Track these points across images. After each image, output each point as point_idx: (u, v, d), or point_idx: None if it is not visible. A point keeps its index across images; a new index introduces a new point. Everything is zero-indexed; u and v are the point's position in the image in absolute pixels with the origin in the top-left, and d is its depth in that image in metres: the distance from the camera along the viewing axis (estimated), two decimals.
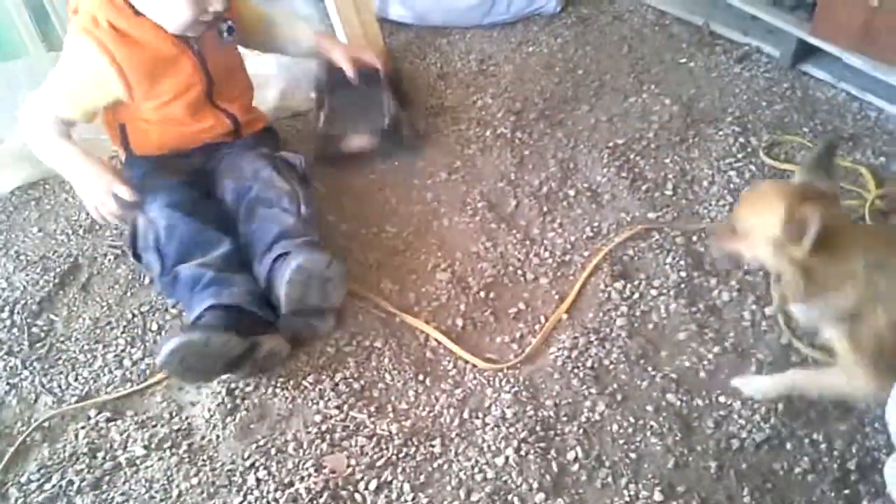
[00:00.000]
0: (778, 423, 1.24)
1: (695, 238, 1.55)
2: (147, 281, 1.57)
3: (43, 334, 1.51)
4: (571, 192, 1.69)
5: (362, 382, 1.36)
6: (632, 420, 1.27)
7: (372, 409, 1.32)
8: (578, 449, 1.23)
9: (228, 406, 1.34)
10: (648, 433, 1.25)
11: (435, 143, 1.84)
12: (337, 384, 1.36)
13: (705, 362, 1.34)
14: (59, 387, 1.41)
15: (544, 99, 1.94)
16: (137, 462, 1.29)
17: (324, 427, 1.29)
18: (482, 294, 1.49)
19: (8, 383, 1.43)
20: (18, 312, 1.54)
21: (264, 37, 1.69)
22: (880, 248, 1.10)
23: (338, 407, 1.32)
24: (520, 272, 1.53)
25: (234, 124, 1.59)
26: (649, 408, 1.28)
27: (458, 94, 1.99)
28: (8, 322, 1.53)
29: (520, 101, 1.94)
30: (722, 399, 1.28)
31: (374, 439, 1.27)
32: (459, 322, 1.44)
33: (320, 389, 1.35)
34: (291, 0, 2.20)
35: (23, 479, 1.28)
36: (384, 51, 2.01)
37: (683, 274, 1.48)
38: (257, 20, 1.65)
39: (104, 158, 1.49)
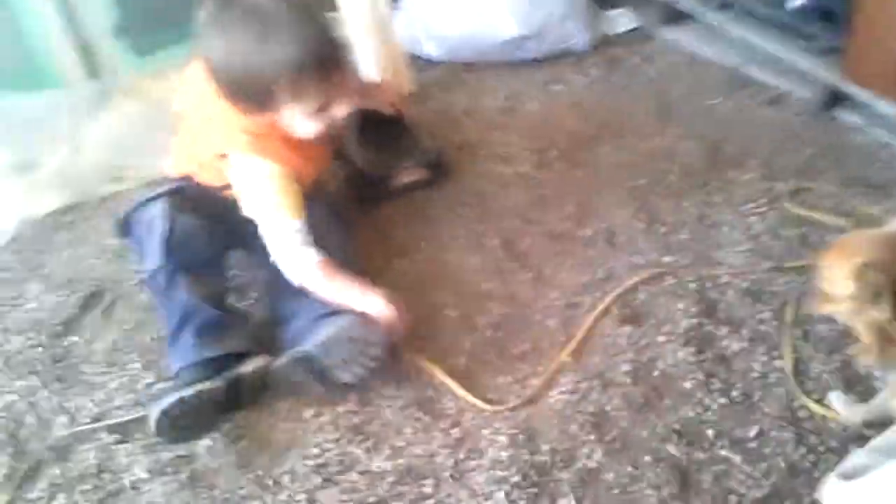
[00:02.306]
0: (779, 480, 1.20)
1: (709, 284, 1.53)
2: None
3: (64, 355, 1.56)
4: (588, 233, 1.68)
5: (361, 417, 1.37)
6: (629, 469, 1.25)
7: (369, 444, 1.32)
8: (571, 497, 1.22)
9: (231, 436, 1.36)
10: (644, 484, 1.22)
11: (454, 178, 1.86)
12: (337, 418, 1.37)
13: (710, 413, 1.31)
14: (75, 407, 1.46)
15: (567, 138, 1.95)
16: (140, 486, 1.32)
17: (320, 460, 1.31)
18: (489, 333, 1.49)
19: (28, 402, 1.48)
20: (43, 332, 1.60)
21: None
22: None
23: (335, 441, 1.33)
24: (528, 312, 1.53)
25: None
26: (648, 458, 1.26)
27: (482, 131, 2.01)
28: (34, 341, 1.59)
29: (543, 139, 1.95)
30: (723, 452, 1.25)
31: (368, 476, 1.28)
32: (464, 360, 1.45)
33: (320, 423, 1.36)
34: None
35: (32, 496, 1.32)
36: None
37: (694, 321, 1.46)
38: None
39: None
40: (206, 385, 1.31)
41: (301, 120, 1.39)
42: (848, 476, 0.85)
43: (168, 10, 1.53)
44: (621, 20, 2.34)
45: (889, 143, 1.80)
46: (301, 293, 1.43)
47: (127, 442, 1.39)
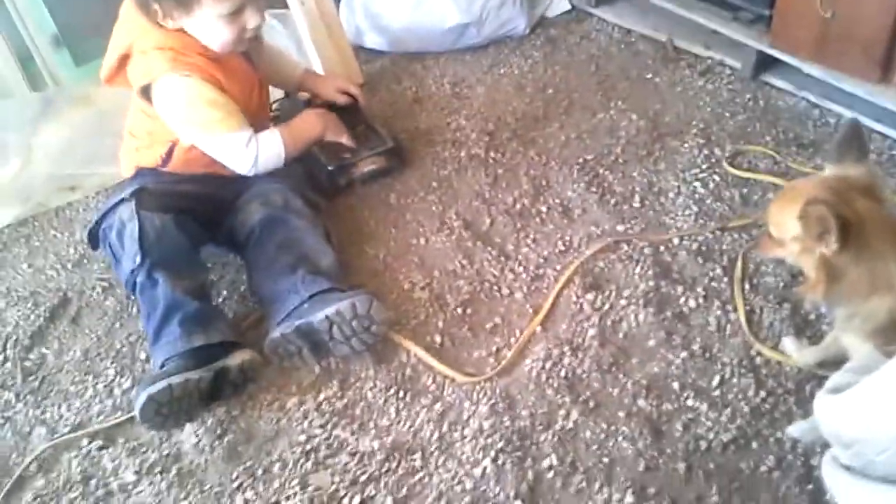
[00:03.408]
0: (744, 423, 1.29)
1: (662, 248, 1.61)
2: (135, 311, 1.62)
3: (35, 368, 1.55)
4: (544, 208, 1.74)
5: (345, 401, 1.40)
6: (604, 426, 1.32)
7: (354, 426, 1.36)
8: (553, 456, 1.28)
9: (216, 430, 1.38)
10: (620, 438, 1.29)
11: (411, 164, 1.90)
12: (320, 404, 1.40)
13: (674, 367, 1.39)
14: (53, 418, 1.46)
15: (516, 119, 2.01)
16: (129, 488, 1.33)
17: (308, 447, 1.34)
18: (459, 310, 1.54)
19: (3, 416, 1.47)
20: (11, 347, 1.59)
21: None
22: None
23: (321, 426, 1.37)
24: (495, 288, 1.58)
25: None
26: (621, 414, 1.33)
27: (434, 117, 2.05)
28: (1, 357, 1.58)
29: (492, 121, 2.01)
30: (690, 402, 1.33)
31: (357, 456, 1.32)
32: (438, 338, 1.49)
33: (304, 410, 1.40)
34: (268, 32, 2.26)
35: None
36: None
37: (652, 283, 1.53)
38: None
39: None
40: (194, 374, 1.33)
41: (215, 24, 1.45)
42: (834, 391, 0.93)
43: (104, 19, 1.55)
44: (556, 2, 2.41)
45: (817, 104, 1.91)
46: (289, 271, 1.47)
47: (110, 447, 1.39)
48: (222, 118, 1.51)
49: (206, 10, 1.43)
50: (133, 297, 1.56)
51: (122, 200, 1.50)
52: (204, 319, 1.42)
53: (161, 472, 1.34)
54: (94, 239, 1.59)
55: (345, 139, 1.75)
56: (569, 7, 2.40)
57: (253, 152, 1.55)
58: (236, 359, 1.39)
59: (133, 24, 1.50)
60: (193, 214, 1.54)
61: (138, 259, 1.44)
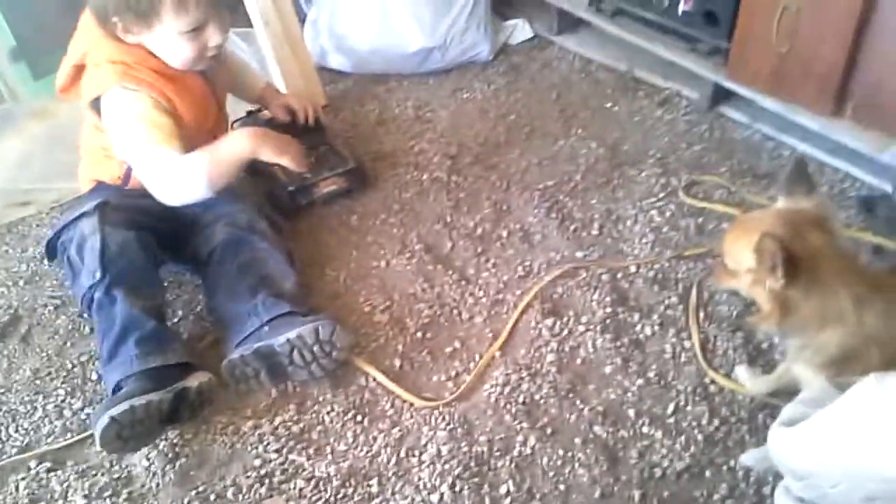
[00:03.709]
0: (698, 451, 1.31)
1: (619, 275, 1.63)
2: (87, 330, 1.59)
3: None
4: (504, 233, 1.76)
5: (301, 425, 1.39)
6: (561, 453, 1.32)
7: (311, 451, 1.35)
8: (510, 483, 1.28)
9: (168, 454, 1.36)
10: (577, 465, 1.30)
11: (373, 186, 1.90)
12: (276, 428, 1.39)
13: (630, 394, 1.41)
14: (0, 439, 1.42)
15: (478, 143, 2.03)
16: None
17: (263, 471, 1.32)
18: (419, 334, 1.54)
19: None
20: None
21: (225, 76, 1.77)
22: (869, 279, 1.07)
23: (277, 451, 1.35)
24: (455, 312, 1.59)
25: None
26: (577, 440, 1.34)
27: (396, 140, 2.06)
28: None
29: (455, 145, 2.02)
30: (645, 430, 1.35)
31: (313, 482, 1.30)
32: (397, 362, 1.49)
33: (259, 434, 1.38)
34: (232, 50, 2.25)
35: None
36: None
37: (609, 310, 1.55)
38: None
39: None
40: (155, 396, 1.30)
41: (175, 40, 1.44)
42: (787, 424, 0.95)
43: (63, 32, 1.53)
44: (519, 30, 2.44)
45: (772, 136, 1.96)
46: (250, 292, 1.46)
47: (59, 469, 1.36)
48: (157, 139, 1.44)
49: (166, 26, 1.42)
50: (86, 316, 1.53)
51: (83, 213, 1.47)
52: (161, 340, 1.40)
53: (111, 497, 1.31)
54: (51, 251, 1.55)
55: (286, 161, 1.55)
56: (531, 35, 2.44)
57: (176, 178, 1.47)
58: (194, 381, 1.37)
59: (89, 36, 1.48)
60: (155, 232, 1.52)
61: (98, 275, 1.41)
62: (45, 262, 1.75)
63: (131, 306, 1.39)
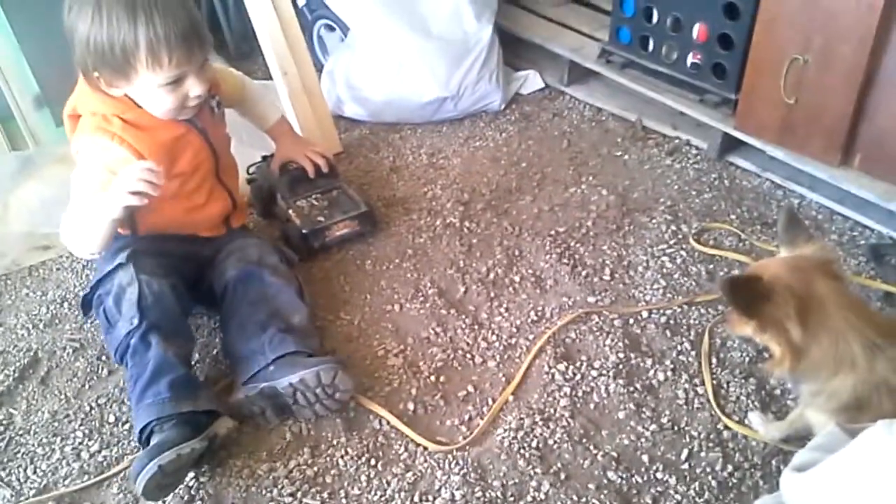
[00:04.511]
0: (712, 497, 1.31)
1: (631, 320, 1.65)
2: (105, 373, 1.61)
3: (2, 428, 1.52)
4: (517, 278, 1.78)
5: (315, 469, 1.40)
6: (575, 498, 1.32)
7: (325, 495, 1.36)
8: None
9: (184, 497, 1.36)
10: None
11: (387, 231, 1.93)
12: (291, 471, 1.40)
13: (643, 440, 1.41)
14: (18, 480, 1.43)
15: (490, 190, 2.06)
16: None
17: None
18: (433, 378, 1.56)
19: None
20: None
21: (240, 106, 1.82)
22: (880, 325, 1.07)
23: (291, 494, 1.36)
24: (469, 356, 1.60)
25: (232, 202, 1.69)
26: (591, 486, 1.34)
27: (410, 186, 2.10)
28: None
29: (468, 192, 2.06)
30: (659, 475, 1.35)
31: None
32: (411, 406, 1.50)
33: (274, 477, 1.39)
34: None
35: None
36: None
37: (622, 355, 1.57)
38: (235, 88, 1.78)
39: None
40: (197, 444, 1.32)
41: (155, 92, 1.45)
42: (799, 469, 0.95)
43: None
44: (530, 80, 2.50)
45: (781, 184, 1.99)
46: (260, 328, 1.48)
47: None
48: (92, 191, 1.43)
49: (143, 79, 1.42)
50: (119, 365, 1.52)
51: (119, 265, 1.49)
52: (193, 385, 1.42)
53: None
54: (86, 305, 1.58)
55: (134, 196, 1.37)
56: (542, 85, 2.50)
57: (72, 233, 1.47)
58: (223, 428, 1.39)
59: (81, 87, 1.51)
60: (182, 276, 1.55)
61: (136, 321, 1.43)
62: (65, 305, 1.79)
63: (165, 350, 1.41)
